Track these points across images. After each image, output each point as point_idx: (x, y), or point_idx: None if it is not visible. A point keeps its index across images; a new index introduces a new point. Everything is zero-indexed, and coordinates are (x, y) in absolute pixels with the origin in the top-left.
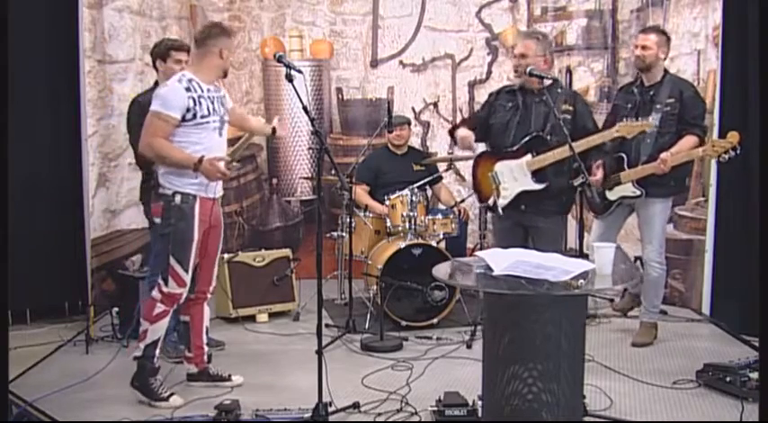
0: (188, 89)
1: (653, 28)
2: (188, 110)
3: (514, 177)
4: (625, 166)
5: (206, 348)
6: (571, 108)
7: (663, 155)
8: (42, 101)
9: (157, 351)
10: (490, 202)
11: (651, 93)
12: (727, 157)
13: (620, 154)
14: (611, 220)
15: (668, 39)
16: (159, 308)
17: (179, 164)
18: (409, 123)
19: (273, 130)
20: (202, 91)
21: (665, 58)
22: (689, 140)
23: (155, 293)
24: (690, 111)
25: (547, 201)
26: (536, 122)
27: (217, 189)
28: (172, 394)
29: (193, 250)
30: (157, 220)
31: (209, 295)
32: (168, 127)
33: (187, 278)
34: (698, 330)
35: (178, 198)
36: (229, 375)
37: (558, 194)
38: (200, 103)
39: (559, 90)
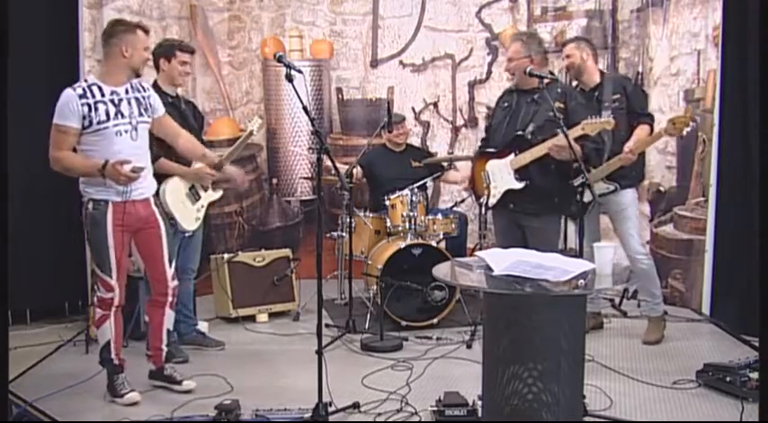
0: (82, 96)
1: (570, 39)
2: (83, 117)
3: (501, 176)
4: (589, 168)
5: (164, 349)
6: (563, 105)
7: (627, 146)
8: (42, 101)
9: (113, 352)
10: (482, 200)
11: (596, 93)
12: (688, 129)
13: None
14: (591, 223)
15: (588, 43)
16: (98, 313)
17: (85, 172)
18: (404, 119)
19: (215, 165)
20: (102, 95)
21: (593, 61)
22: (643, 129)
23: (94, 299)
24: (637, 103)
25: (536, 200)
26: (522, 122)
27: (137, 191)
28: (131, 391)
29: (112, 255)
30: None
31: (169, 298)
32: (69, 137)
33: (113, 282)
34: (698, 330)
35: (90, 205)
36: (181, 380)
37: (548, 194)
38: (95, 108)
39: (558, 89)
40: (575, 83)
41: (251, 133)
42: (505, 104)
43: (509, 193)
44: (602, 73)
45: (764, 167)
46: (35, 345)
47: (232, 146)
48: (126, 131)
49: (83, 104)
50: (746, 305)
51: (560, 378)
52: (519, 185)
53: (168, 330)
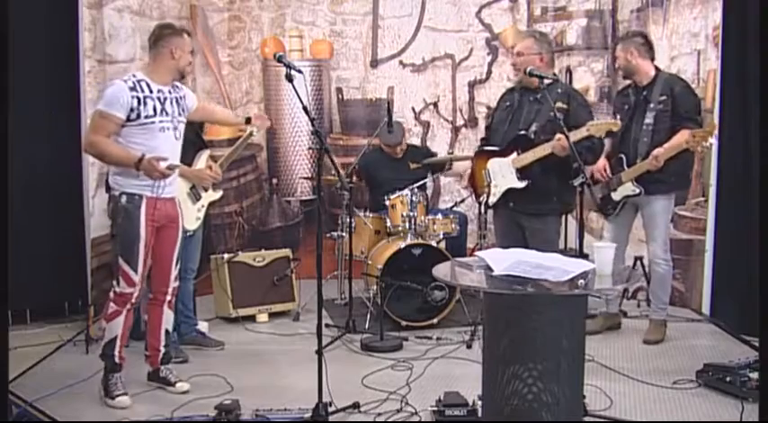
0: (133, 88)
1: (618, 38)
2: (132, 109)
3: (503, 175)
4: (624, 166)
5: (162, 350)
6: (565, 106)
7: (655, 151)
8: (43, 100)
9: (117, 349)
10: (482, 198)
11: (645, 93)
12: (707, 144)
13: (620, 155)
14: (620, 220)
15: (634, 40)
16: (112, 307)
17: (119, 162)
18: (403, 133)
19: (248, 119)
20: (151, 91)
21: (643, 58)
22: (683, 135)
23: (110, 293)
24: (682, 105)
25: (535, 200)
26: (525, 121)
27: (168, 189)
28: (123, 394)
29: (141, 250)
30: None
31: (168, 297)
32: (111, 126)
33: (136, 278)
34: (698, 330)
35: (124, 198)
36: (175, 382)
37: (548, 194)
38: (145, 103)
39: (559, 90)
40: (627, 82)
41: (251, 134)
42: (507, 103)
43: (509, 192)
44: (657, 70)
45: (764, 167)
46: (35, 345)
47: (232, 146)
48: (168, 129)
49: (133, 97)
50: (746, 305)
51: (560, 378)
52: (521, 185)
53: (167, 331)
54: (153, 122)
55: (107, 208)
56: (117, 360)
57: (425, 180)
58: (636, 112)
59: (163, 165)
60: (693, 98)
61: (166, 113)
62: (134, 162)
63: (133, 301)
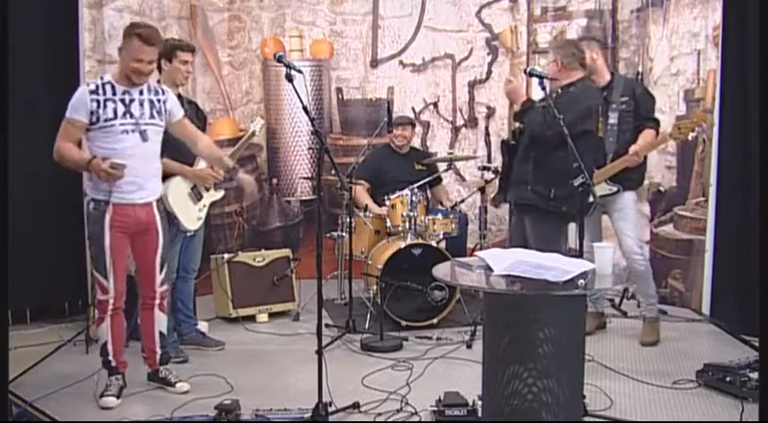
0: (94, 92)
1: (579, 38)
2: (92, 113)
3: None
4: (593, 168)
5: (158, 351)
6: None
7: (632, 148)
8: (43, 100)
9: (110, 354)
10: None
11: (605, 94)
12: (694, 134)
13: None
14: (592, 224)
15: (596, 42)
16: (97, 314)
17: (76, 165)
18: (413, 125)
19: (233, 169)
20: (114, 94)
21: (602, 60)
22: (648, 133)
23: (96, 300)
24: (643, 106)
25: (536, 196)
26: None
27: (139, 194)
28: (111, 396)
29: (108, 257)
30: None
31: (157, 301)
32: (75, 131)
33: (108, 285)
34: (698, 330)
35: (91, 205)
36: (175, 382)
37: (547, 189)
38: (104, 106)
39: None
40: None
41: (253, 134)
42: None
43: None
44: (612, 73)
45: (764, 167)
46: (35, 345)
47: (233, 146)
48: (132, 131)
49: (92, 100)
50: (746, 305)
51: (560, 378)
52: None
53: (161, 333)
54: (113, 125)
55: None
56: (113, 364)
57: (437, 175)
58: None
59: (106, 164)
60: (652, 99)
61: (130, 115)
62: (85, 163)
63: (112, 306)
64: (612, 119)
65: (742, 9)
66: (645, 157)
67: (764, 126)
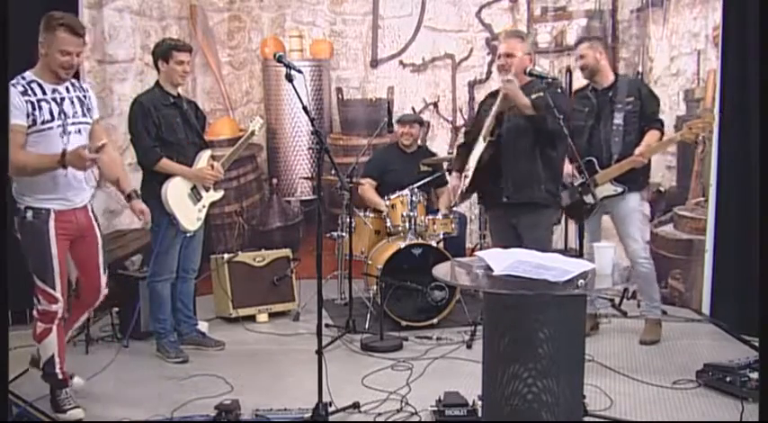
0: (24, 93)
1: (582, 38)
2: (27, 115)
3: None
4: (597, 169)
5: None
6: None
7: (638, 149)
8: None
9: (56, 367)
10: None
11: (610, 94)
12: (703, 136)
13: (589, 158)
14: (592, 223)
15: (600, 42)
16: (40, 326)
17: (43, 167)
18: (420, 123)
19: (130, 195)
20: (44, 93)
21: (606, 61)
22: (654, 134)
23: (35, 312)
24: (649, 107)
25: (522, 186)
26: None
27: (80, 197)
28: (75, 407)
29: (56, 266)
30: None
31: (97, 304)
32: (20, 136)
33: (57, 294)
34: (698, 330)
35: (30, 214)
36: (68, 409)
37: (533, 181)
38: (39, 107)
39: (559, 90)
40: (585, 82)
41: (253, 133)
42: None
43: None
44: (616, 74)
45: (764, 167)
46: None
47: (233, 146)
48: (71, 132)
49: (26, 102)
50: (746, 305)
51: (560, 378)
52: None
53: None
54: (51, 128)
55: (15, 222)
56: (61, 376)
57: (428, 179)
58: (601, 113)
59: (86, 152)
60: (657, 100)
61: (65, 115)
62: (57, 161)
63: (60, 315)
64: (618, 119)
65: (742, 9)
66: (649, 159)
67: (764, 126)
